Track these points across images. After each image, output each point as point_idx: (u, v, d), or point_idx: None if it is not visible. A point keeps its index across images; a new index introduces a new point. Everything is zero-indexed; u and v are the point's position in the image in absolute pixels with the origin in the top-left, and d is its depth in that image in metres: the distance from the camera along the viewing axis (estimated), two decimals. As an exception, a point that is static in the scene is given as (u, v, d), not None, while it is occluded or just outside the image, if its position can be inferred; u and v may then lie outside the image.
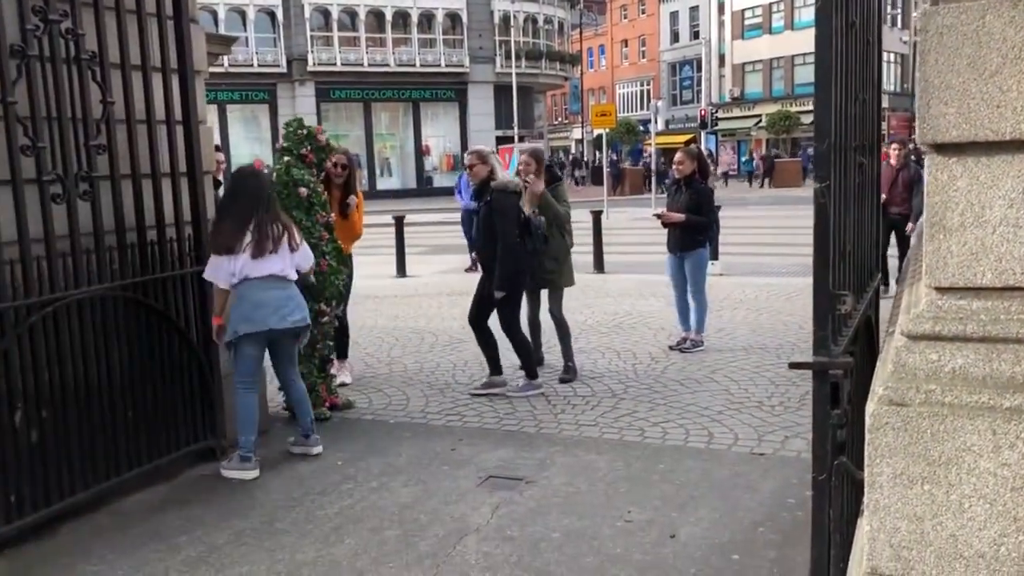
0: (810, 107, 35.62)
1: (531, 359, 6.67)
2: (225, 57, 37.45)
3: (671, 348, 7.70)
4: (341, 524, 4.29)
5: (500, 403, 6.30)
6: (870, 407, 1.90)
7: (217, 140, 30.10)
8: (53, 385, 4.27)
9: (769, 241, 16.60)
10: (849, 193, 2.81)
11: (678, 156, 7.79)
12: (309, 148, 5.86)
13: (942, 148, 1.86)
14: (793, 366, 2.42)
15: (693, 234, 7.58)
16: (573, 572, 3.72)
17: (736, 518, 4.20)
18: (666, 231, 7.84)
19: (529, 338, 6.88)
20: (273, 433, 5.78)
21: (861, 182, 3.18)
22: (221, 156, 8.02)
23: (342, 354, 6.94)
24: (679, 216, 7.54)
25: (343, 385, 6.68)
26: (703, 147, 39.36)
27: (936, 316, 1.89)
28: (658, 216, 7.79)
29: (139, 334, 4.75)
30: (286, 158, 5.83)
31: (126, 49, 4.68)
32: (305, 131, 5.82)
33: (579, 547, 3.95)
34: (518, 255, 6.32)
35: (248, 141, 37.69)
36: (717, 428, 5.56)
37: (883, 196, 7.84)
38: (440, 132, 42.37)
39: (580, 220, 14.01)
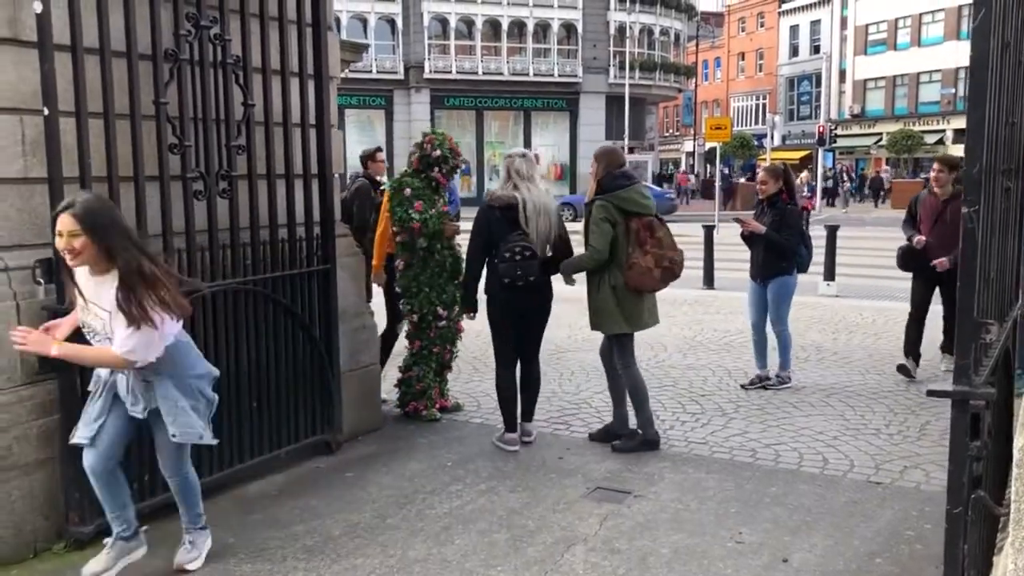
0: (934, 127, 34.25)
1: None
2: (345, 63, 38.72)
3: (744, 387, 7.01)
4: (451, 524, 4.37)
5: (608, 415, 6.27)
6: (1019, 440, 1.84)
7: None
8: (187, 372, 4.47)
9: (887, 263, 16.00)
10: (995, 218, 2.72)
11: (761, 175, 7.23)
12: (439, 171, 5.97)
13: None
14: (932, 394, 2.36)
15: (776, 258, 6.83)
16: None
17: (851, 547, 4.09)
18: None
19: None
20: (384, 431, 5.92)
21: (1006, 207, 3.06)
22: (383, 156, 8.23)
23: None
24: (759, 227, 6.85)
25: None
26: (820, 164, 38.34)
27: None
28: (739, 221, 7.20)
29: (266, 328, 4.93)
30: (406, 169, 6.01)
31: (267, 54, 4.89)
32: (440, 153, 5.94)
33: (688, 565, 3.92)
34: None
35: (362, 146, 38.35)
36: (832, 454, 5.41)
37: (920, 237, 7.11)
38: (550, 141, 42.51)
39: (692, 234, 13.88)
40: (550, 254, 5.50)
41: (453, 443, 5.65)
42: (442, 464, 5.25)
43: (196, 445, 3.94)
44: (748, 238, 7.06)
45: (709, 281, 13.16)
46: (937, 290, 7.24)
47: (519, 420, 5.66)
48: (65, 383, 3.98)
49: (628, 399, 5.63)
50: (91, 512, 4.05)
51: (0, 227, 3.95)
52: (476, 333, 6.95)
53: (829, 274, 12.26)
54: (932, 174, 7.32)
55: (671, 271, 5.32)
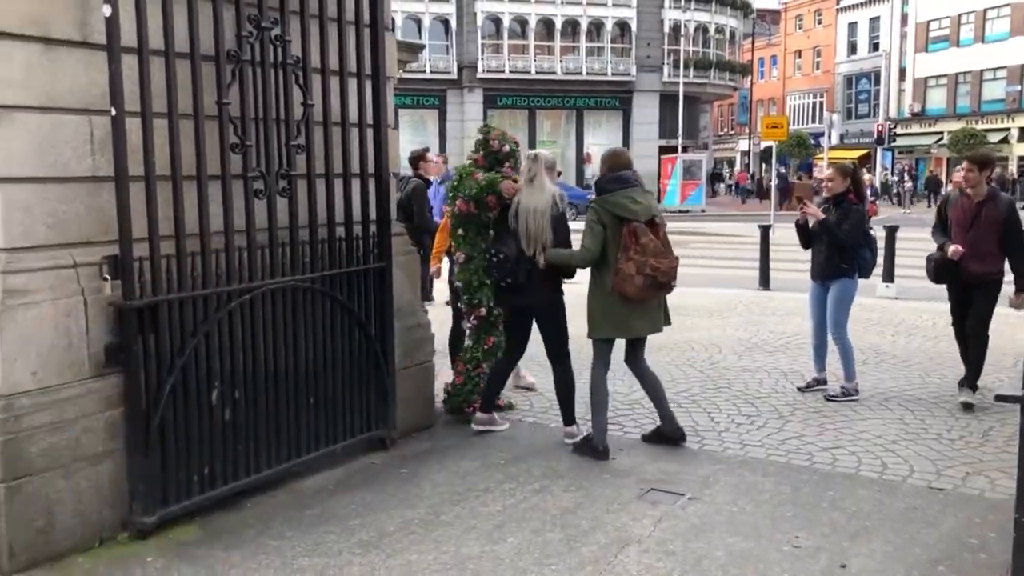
0: (998, 124, 33.25)
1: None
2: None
3: (800, 390, 6.85)
4: (504, 522, 4.38)
5: (661, 415, 6.25)
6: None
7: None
8: (246, 368, 4.56)
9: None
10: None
11: (829, 172, 6.93)
12: (482, 154, 5.99)
13: None
14: (1000, 399, 2.31)
15: (837, 258, 6.55)
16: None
17: (912, 553, 4.01)
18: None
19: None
20: (436, 428, 5.96)
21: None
22: (436, 157, 8.30)
23: None
24: (817, 211, 6.63)
25: (529, 389, 6.87)
26: (879, 163, 37.60)
27: None
28: (800, 200, 6.99)
29: (323, 325, 5.00)
30: (468, 161, 6.04)
31: (326, 55, 4.96)
32: (481, 136, 5.99)
33: (744, 569, 3.88)
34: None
35: (415, 146, 38.60)
36: (891, 458, 5.31)
37: (956, 246, 6.35)
38: (602, 140, 42.28)
39: (748, 235, 13.72)
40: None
41: (505, 441, 5.67)
42: (495, 462, 5.27)
43: (245, 440, 4.02)
44: (806, 231, 6.80)
45: (765, 282, 13.00)
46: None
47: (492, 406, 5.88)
48: (131, 377, 4.08)
49: (650, 395, 5.68)
50: (154, 503, 4.15)
51: (70, 224, 4.06)
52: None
53: (888, 275, 12.03)
54: (961, 174, 6.62)
55: (654, 279, 5.08)
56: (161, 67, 4.09)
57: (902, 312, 10.62)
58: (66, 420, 3.92)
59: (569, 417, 5.70)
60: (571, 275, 5.61)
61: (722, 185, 53.45)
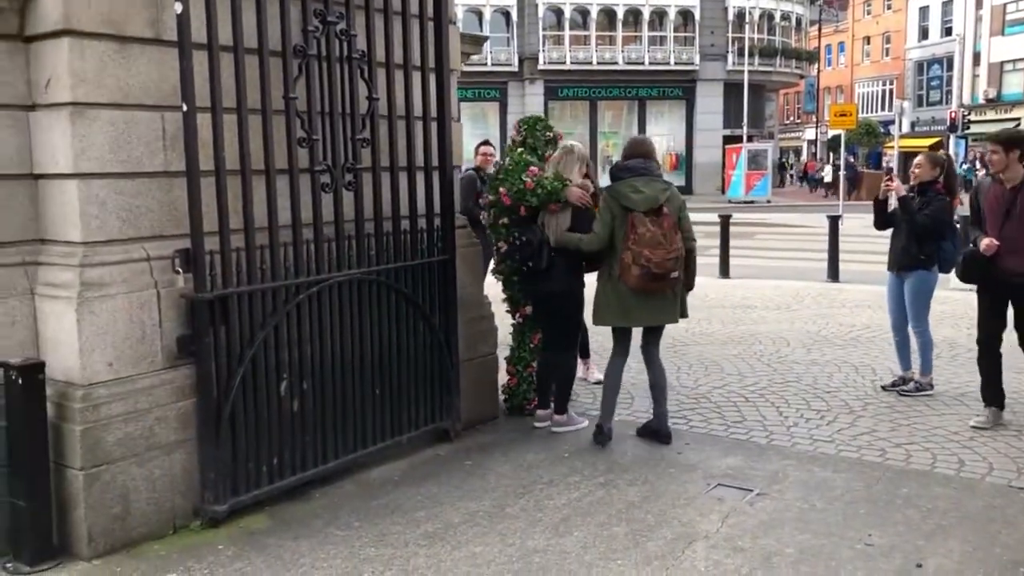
0: (1081, 109, 31.24)
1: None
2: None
3: (884, 388, 6.60)
4: (569, 516, 4.36)
5: (728, 411, 6.16)
6: None
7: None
8: (313, 360, 4.62)
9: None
10: None
11: (918, 159, 6.61)
12: (531, 141, 5.90)
13: None
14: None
15: (916, 247, 6.29)
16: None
17: (992, 554, 3.88)
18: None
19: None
20: (500, 420, 5.96)
21: None
22: (491, 150, 8.23)
23: (584, 353, 6.93)
24: (900, 186, 6.37)
25: (598, 383, 6.66)
26: (952, 151, 36.55)
27: None
28: (887, 175, 6.73)
29: (389, 317, 5.03)
30: (519, 148, 5.90)
31: (391, 49, 4.98)
32: (551, 134, 5.90)
33: (815, 567, 3.80)
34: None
35: (475, 139, 38.51)
36: (968, 455, 5.15)
37: (989, 240, 5.47)
38: (665, 131, 41.89)
39: (816, 225, 13.38)
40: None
41: (570, 434, 5.64)
42: (559, 455, 5.25)
43: (313, 431, 4.08)
44: (884, 211, 6.53)
45: (834, 274, 12.68)
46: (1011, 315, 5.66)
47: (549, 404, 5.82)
48: (202, 368, 4.15)
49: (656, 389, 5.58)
50: (225, 492, 4.22)
51: (143, 218, 4.15)
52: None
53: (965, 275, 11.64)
54: (988, 156, 5.67)
55: (648, 270, 5.02)
56: (230, 63, 4.15)
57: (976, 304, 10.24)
58: (140, 410, 4.02)
59: (553, 404, 5.75)
60: (596, 266, 5.51)
61: (790, 175, 52.45)
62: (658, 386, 5.50)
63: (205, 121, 4.09)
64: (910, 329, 6.54)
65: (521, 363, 6.04)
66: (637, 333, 5.57)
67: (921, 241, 6.30)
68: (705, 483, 4.77)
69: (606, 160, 41.83)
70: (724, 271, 13.60)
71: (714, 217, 14.64)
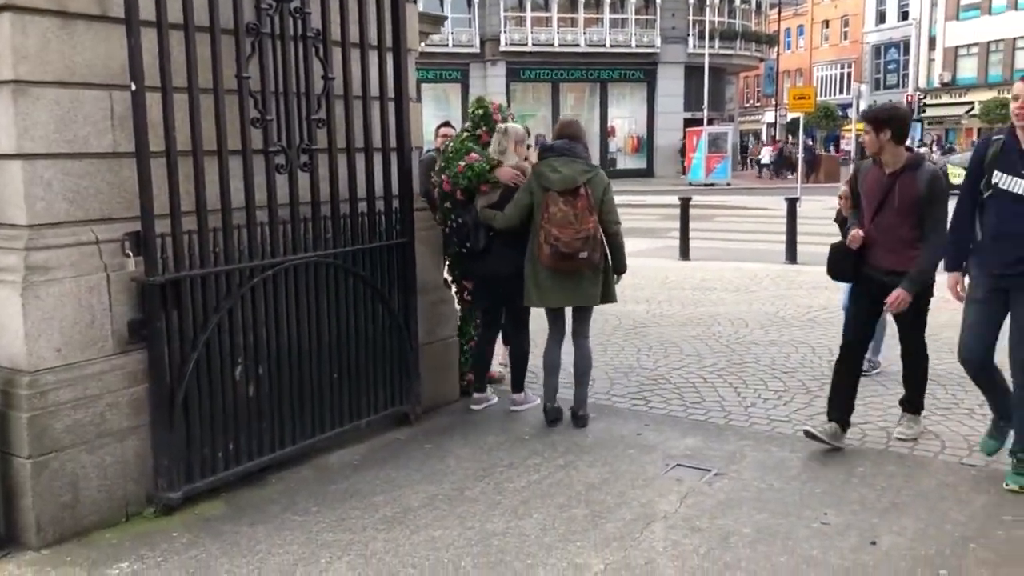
0: (1034, 94, 32.14)
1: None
2: (422, 36, 38.73)
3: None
4: (529, 498, 4.36)
5: (687, 392, 6.20)
6: None
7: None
8: (269, 344, 4.55)
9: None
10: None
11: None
12: (485, 129, 5.85)
13: None
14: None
15: None
16: (765, 571, 3.62)
17: (944, 531, 3.94)
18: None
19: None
20: (461, 403, 5.93)
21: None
22: (452, 131, 8.16)
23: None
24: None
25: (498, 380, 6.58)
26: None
27: None
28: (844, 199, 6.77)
29: (346, 301, 4.97)
30: (464, 133, 5.90)
31: (347, 27, 4.89)
32: (482, 111, 5.85)
33: (771, 546, 3.83)
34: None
35: (437, 119, 38.23)
36: (922, 433, 5.22)
37: (857, 231, 4.83)
38: (626, 113, 42.01)
39: (774, 208, 13.53)
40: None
41: (530, 416, 5.64)
42: (520, 437, 5.25)
43: (269, 416, 4.03)
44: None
45: (792, 255, 12.81)
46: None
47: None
48: (154, 353, 4.07)
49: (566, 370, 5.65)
50: (179, 478, 4.16)
51: (91, 200, 4.04)
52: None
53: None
54: (861, 136, 5.13)
55: (556, 249, 5.03)
56: (180, 41, 4.05)
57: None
58: (90, 396, 3.93)
59: (517, 385, 5.82)
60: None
61: (756, 158, 52.84)
62: (579, 370, 5.49)
63: (155, 101, 3.99)
64: None
65: (465, 338, 6.07)
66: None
67: None
68: (664, 464, 4.79)
69: (568, 142, 41.87)
70: (684, 253, 13.69)
71: (674, 200, 14.71)
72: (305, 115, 4.71)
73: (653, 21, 40.50)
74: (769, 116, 59.12)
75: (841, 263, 5.02)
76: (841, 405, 4.99)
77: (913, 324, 5.07)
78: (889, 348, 6.96)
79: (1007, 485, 4.36)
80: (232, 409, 4.38)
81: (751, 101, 65.72)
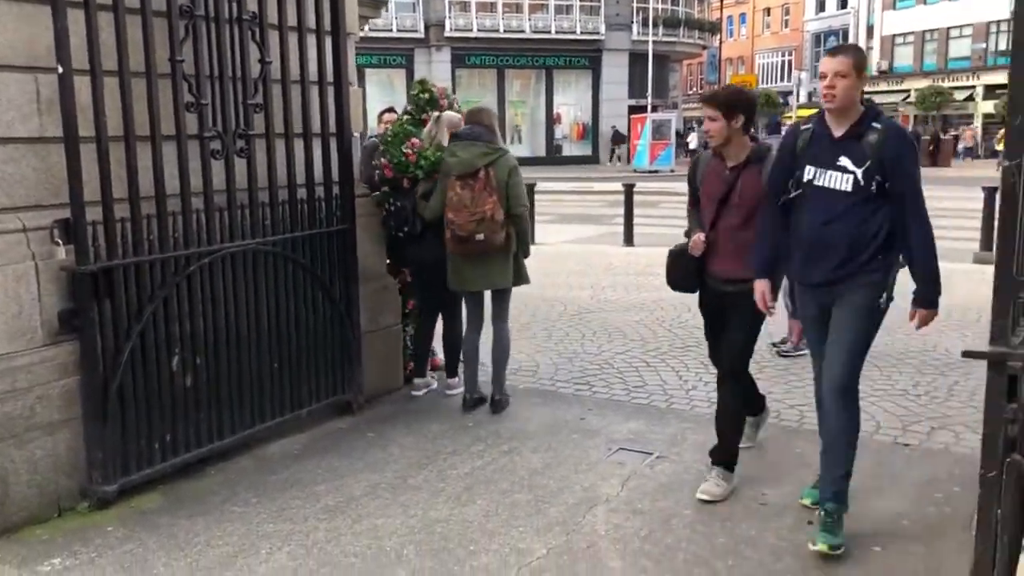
0: (963, 83, 33.26)
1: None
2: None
3: (773, 346, 6.76)
4: (472, 485, 4.35)
5: (630, 376, 6.25)
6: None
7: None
8: (207, 333, 4.47)
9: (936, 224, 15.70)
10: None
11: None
12: (431, 113, 5.81)
13: None
14: (967, 355, 2.29)
15: None
16: (705, 551, 3.66)
17: (877, 509, 4.03)
18: None
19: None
20: (405, 391, 5.90)
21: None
22: (395, 117, 8.05)
23: None
24: None
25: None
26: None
27: None
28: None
29: (286, 289, 4.90)
30: (405, 116, 5.84)
31: (284, 10, 4.80)
32: (427, 95, 5.81)
33: (711, 526, 3.88)
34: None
35: (382, 105, 37.81)
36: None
37: (698, 235, 4.18)
38: (572, 100, 42.09)
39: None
40: None
41: (475, 408, 5.62)
42: (463, 425, 5.24)
43: (208, 406, 3.96)
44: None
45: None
46: None
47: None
48: (86, 344, 3.97)
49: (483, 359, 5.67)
50: (114, 471, 4.07)
51: (16, 187, 3.92)
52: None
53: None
54: (704, 125, 4.34)
55: (453, 233, 5.11)
56: (110, 22, 3.93)
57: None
58: (19, 389, 3.81)
59: (451, 370, 5.87)
60: None
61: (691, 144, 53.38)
62: (497, 355, 5.50)
63: (84, 84, 3.88)
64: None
65: (406, 325, 6.06)
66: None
67: None
68: (607, 448, 4.82)
69: (515, 129, 41.87)
70: (628, 239, 13.78)
71: (619, 186, 14.78)
72: (242, 100, 4.62)
73: (598, 8, 40.58)
74: (712, 103, 59.64)
75: (681, 271, 4.34)
76: (726, 443, 4.34)
77: (738, 347, 4.20)
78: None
79: (813, 545, 3.59)
80: (169, 400, 4.30)
81: (695, 88, 66.31)
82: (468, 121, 5.47)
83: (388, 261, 5.94)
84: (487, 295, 5.49)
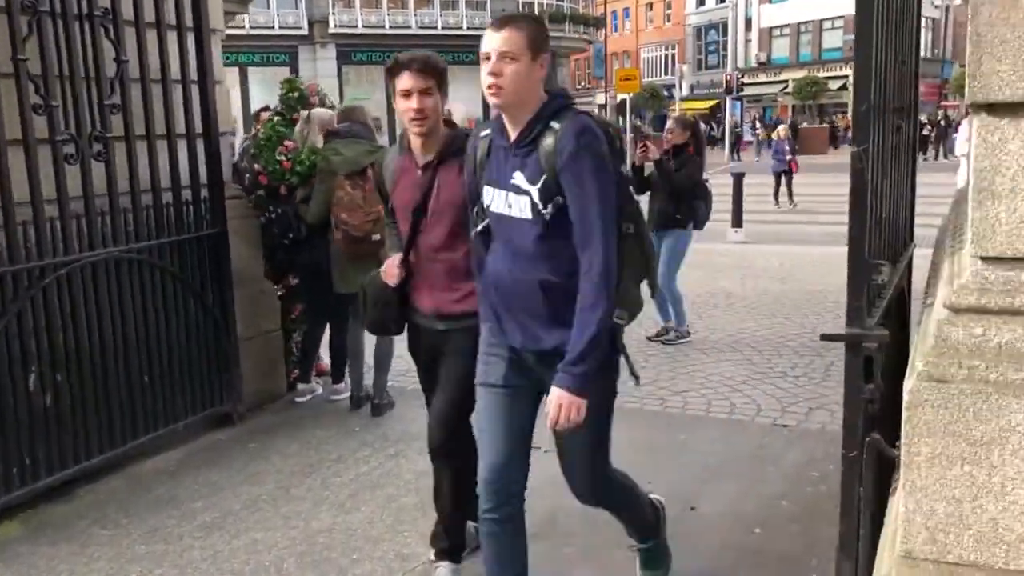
0: (837, 72, 34.66)
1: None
2: (246, 19, 37.27)
3: (649, 339, 6.81)
4: (357, 491, 4.25)
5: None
6: (908, 383, 1.79)
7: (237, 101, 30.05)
8: (68, 348, 4.23)
9: (792, 210, 16.33)
10: (886, 158, 2.68)
11: (669, 124, 7.02)
12: (300, 112, 5.66)
13: (993, 108, 1.73)
14: (825, 338, 2.32)
15: (672, 209, 6.66)
16: (591, 544, 3.66)
17: (758, 491, 4.11)
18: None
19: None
20: (289, 398, 5.73)
21: (897, 145, 3.04)
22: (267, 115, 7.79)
23: None
24: (654, 151, 6.66)
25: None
26: (728, 113, 38.79)
27: (982, 288, 1.77)
28: (642, 143, 6.85)
29: (154, 297, 4.69)
30: (276, 118, 5.69)
31: (140, 6, 4.58)
32: (297, 94, 5.66)
33: (596, 517, 3.85)
34: None
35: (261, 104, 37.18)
36: (739, 398, 5.46)
37: (390, 261, 3.23)
38: (460, 96, 41.81)
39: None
40: None
41: (361, 408, 5.50)
42: (350, 429, 5.11)
43: (72, 425, 3.74)
44: (642, 175, 6.78)
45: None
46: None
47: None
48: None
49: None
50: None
51: None
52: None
53: (737, 221, 12.42)
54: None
55: (346, 233, 4.92)
56: (-58, 20, 3.67)
57: (751, 255, 10.96)
58: None
59: (337, 374, 5.72)
60: None
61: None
62: (379, 355, 5.34)
63: (-85, 86, 3.60)
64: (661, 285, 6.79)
65: (287, 331, 5.86)
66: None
67: (678, 201, 6.69)
68: (494, 446, 4.77)
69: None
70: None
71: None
72: (97, 101, 4.38)
73: (484, 3, 40.61)
74: (601, 98, 60.62)
75: (380, 309, 3.31)
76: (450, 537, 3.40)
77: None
78: (712, 319, 7.26)
79: None
80: (27, 421, 4.04)
81: (583, 83, 67.13)
82: (343, 119, 5.33)
83: (266, 267, 5.74)
84: None
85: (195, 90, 4.98)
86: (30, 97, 4.03)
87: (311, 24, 37.95)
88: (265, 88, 37.13)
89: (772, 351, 6.54)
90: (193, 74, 4.95)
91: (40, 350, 4.10)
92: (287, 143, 5.43)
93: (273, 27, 37.03)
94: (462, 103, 37.97)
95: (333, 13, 38.07)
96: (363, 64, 39.84)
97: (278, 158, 5.37)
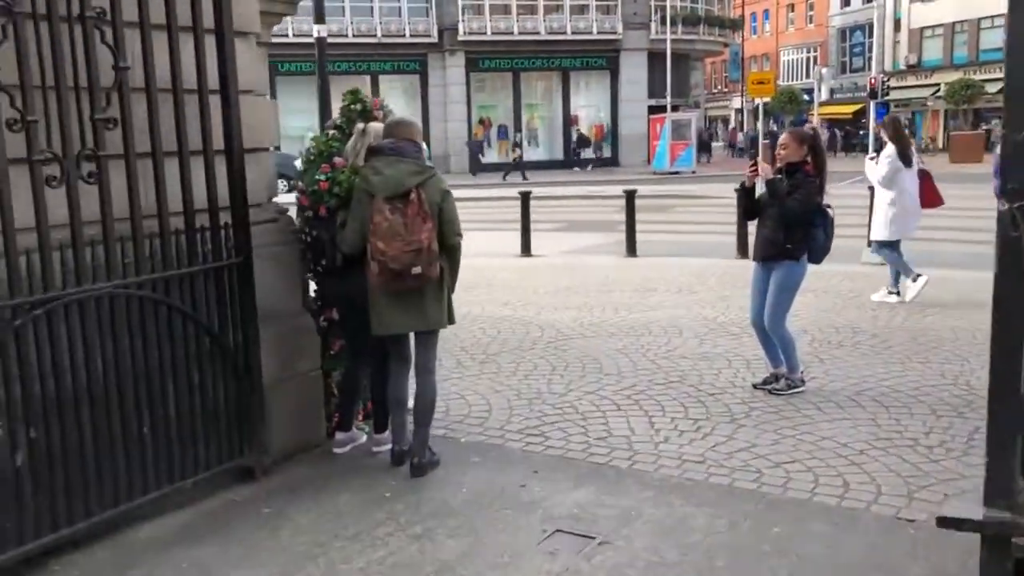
0: (997, 75, 32.15)
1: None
2: (378, 27, 37.62)
3: (755, 387, 5.91)
4: (364, 584, 3.51)
5: (594, 423, 5.37)
6: None
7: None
8: (47, 399, 3.67)
9: (943, 225, 14.48)
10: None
11: (782, 138, 5.86)
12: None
13: None
14: (943, 524, 1.41)
15: (783, 237, 5.60)
16: None
17: None
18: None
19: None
20: (328, 446, 5.06)
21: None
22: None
23: None
24: (767, 169, 5.72)
25: None
26: (872, 118, 36.39)
27: None
28: (752, 162, 5.95)
29: (158, 339, 4.09)
30: (332, 131, 5.02)
31: (145, 5, 4.00)
32: (360, 106, 4.98)
33: (649, 650, 3.01)
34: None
35: (401, 113, 36.81)
36: (855, 475, 4.43)
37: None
38: (590, 102, 41.17)
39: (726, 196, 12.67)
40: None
41: (397, 469, 4.71)
42: (379, 496, 4.37)
43: (49, 489, 3.16)
44: (752, 198, 5.91)
45: (743, 249, 11.97)
46: None
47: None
48: None
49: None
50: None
51: None
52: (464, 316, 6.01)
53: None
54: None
55: (383, 265, 4.24)
56: None
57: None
58: None
59: (380, 423, 5.04)
60: None
61: (717, 145, 52.27)
62: (420, 409, 4.65)
63: None
64: (768, 328, 5.80)
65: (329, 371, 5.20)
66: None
67: (790, 228, 5.60)
68: (541, 530, 3.93)
69: (532, 133, 40.94)
70: (631, 249, 12.92)
71: (642, 189, 13.89)
72: (90, 115, 3.82)
73: (615, 7, 39.65)
74: (737, 102, 58.49)
75: None
76: None
77: None
78: (833, 360, 6.21)
79: None
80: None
81: (719, 87, 65.15)
82: (389, 135, 4.61)
83: (308, 298, 5.13)
84: (411, 336, 4.66)
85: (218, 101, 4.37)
86: (3, 111, 3.49)
87: (441, 31, 37.94)
88: (398, 97, 37.35)
89: (902, 408, 5.44)
90: (215, 84, 4.35)
91: (11, 402, 3.55)
92: (336, 160, 4.78)
93: (404, 35, 37.24)
94: (589, 108, 37.19)
95: (463, 20, 37.95)
96: (491, 71, 39.60)
97: (317, 177, 4.74)
